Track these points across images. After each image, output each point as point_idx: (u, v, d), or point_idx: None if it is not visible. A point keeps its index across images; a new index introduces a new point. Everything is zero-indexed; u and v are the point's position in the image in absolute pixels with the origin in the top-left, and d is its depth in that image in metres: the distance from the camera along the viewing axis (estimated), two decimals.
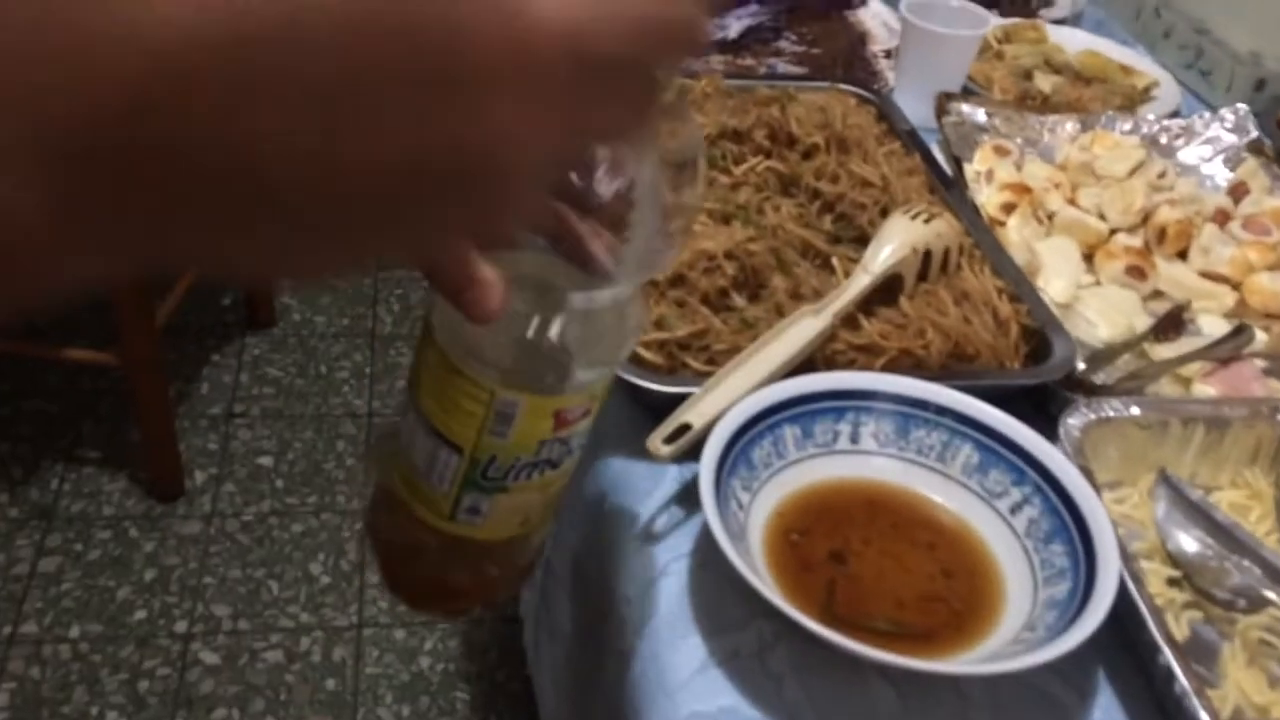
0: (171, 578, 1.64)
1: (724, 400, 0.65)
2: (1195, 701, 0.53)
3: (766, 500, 0.64)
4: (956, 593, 0.61)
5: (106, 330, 1.61)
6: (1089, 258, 0.88)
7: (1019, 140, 0.99)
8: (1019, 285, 0.78)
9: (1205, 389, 0.76)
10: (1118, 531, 0.64)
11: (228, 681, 1.52)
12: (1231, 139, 1.01)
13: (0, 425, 1.83)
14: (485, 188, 0.27)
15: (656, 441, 0.64)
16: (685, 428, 0.65)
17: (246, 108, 0.23)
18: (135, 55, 0.22)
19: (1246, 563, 0.62)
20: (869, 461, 0.67)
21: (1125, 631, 0.58)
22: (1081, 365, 0.74)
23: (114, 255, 0.25)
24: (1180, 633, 0.61)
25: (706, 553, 0.63)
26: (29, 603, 1.57)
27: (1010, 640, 0.58)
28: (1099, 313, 0.82)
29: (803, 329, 0.70)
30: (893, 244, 0.75)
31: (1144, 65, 1.14)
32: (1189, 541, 0.63)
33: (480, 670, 1.58)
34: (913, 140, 0.93)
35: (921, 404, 0.67)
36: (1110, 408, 0.67)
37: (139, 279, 1.57)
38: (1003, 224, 0.89)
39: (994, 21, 1.15)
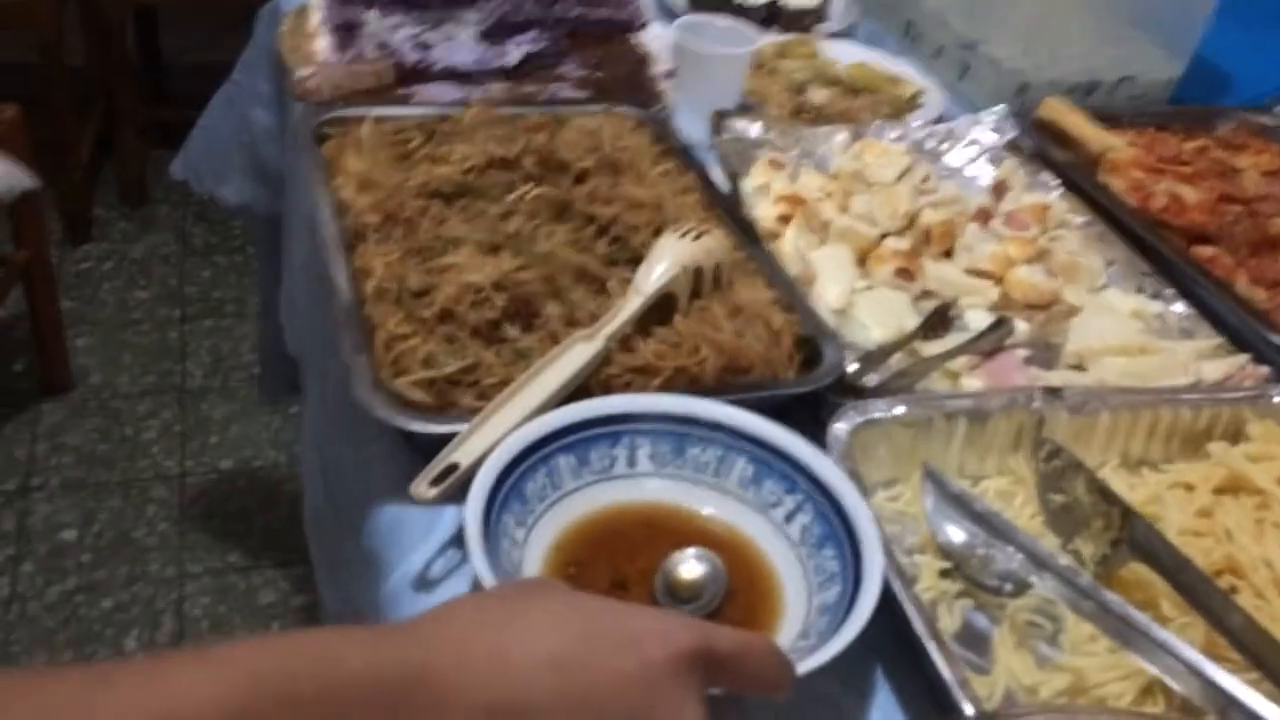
0: None
1: (493, 436, 0.64)
2: (959, 693, 0.54)
3: (544, 534, 0.63)
4: (736, 606, 0.61)
5: None
6: (862, 263, 0.90)
7: (795, 153, 1.01)
8: (791, 295, 0.79)
9: (973, 382, 0.79)
10: (889, 529, 0.66)
11: None
12: (993, 139, 1.06)
13: None
14: None
15: (422, 486, 0.62)
16: (453, 468, 0.63)
17: None
18: None
19: (1010, 549, 0.63)
20: (646, 483, 0.66)
21: (898, 628, 0.59)
22: (853, 368, 0.75)
23: None
24: (952, 623, 0.63)
25: None
26: None
27: (787, 649, 0.58)
28: (872, 316, 0.84)
29: (575, 355, 0.69)
30: (664, 263, 0.75)
31: (911, 75, 1.19)
32: (956, 533, 0.65)
33: None
34: (687, 159, 0.94)
35: (694, 421, 0.67)
36: (876, 409, 0.69)
37: None
38: (779, 236, 0.90)
39: (766, 39, 1.18)
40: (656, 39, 1.25)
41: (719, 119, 1.01)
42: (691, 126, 1.02)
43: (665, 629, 0.44)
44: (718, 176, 0.95)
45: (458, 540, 0.65)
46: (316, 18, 1.12)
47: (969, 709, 0.53)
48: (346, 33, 1.13)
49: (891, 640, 0.60)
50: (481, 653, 0.41)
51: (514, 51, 1.14)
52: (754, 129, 1.01)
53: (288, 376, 1.47)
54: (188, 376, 2.04)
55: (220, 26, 2.17)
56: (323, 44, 1.10)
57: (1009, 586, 0.63)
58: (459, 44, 1.14)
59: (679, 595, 0.60)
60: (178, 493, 1.81)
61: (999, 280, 0.89)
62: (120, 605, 1.63)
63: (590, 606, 0.45)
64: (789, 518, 0.64)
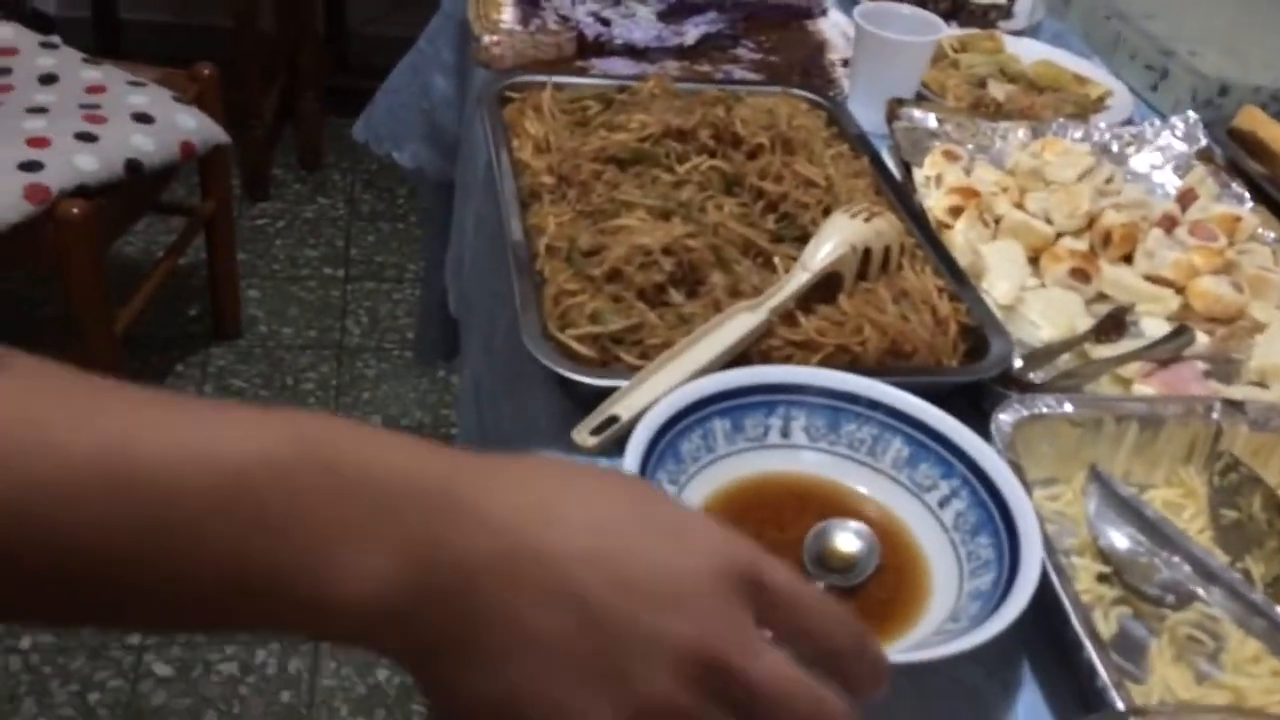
0: None
1: (654, 393, 0.65)
2: (1114, 695, 0.52)
3: (694, 494, 0.64)
4: (883, 585, 0.61)
5: (66, 337, 1.60)
6: (1035, 261, 0.87)
7: (970, 146, 0.99)
8: (960, 285, 0.78)
9: (1145, 389, 0.76)
10: (1046, 527, 0.64)
11: (180, 694, 1.49)
12: (1182, 147, 1.02)
13: None
14: None
15: (583, 433, 0.63)
16: (613, 420, 0.64)
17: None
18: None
19: (1176, 559, 0.61)
20: (799, 456, 0.66)
21: (1050, 626, 0.58)
22: (1019, 363, 0.73)
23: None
24: (1108, 628, 0.61)
25: None
26: None
27: (933, 631, 0.57)
28: (1042, 314, 0.82)
29: (738, 324, 0.70)
30: (832, 241, 0.75)
31: (1099, 75, 1.15)
32: (1119, 538, 0.63)
33: None
34: (862, 144, 0.93)
35: (853, 398, 0.67)
36: (1043, 404, 0.67)
37: (98, 288, 1.56)
38: (950, 227, 0.89)
39: (950, 31, 1.15)
40: (834, 26, 1.24)
41: (895, 106, 0.99)
42: (866, 113, 1.02)
43: (720, 536, 0.39)
44: (890, 164, 0.94)
45: None
46: None
47: (1119, 704, 0.51)
48: (531, 5, 1.16)
49: (1041, 637, 0.58)
50: (523, 502, 0.37)
51: (691, 31, 1.15)
52: (930, 119, 0.99)
53: (443, 341, 1.53)
54: (346, 334, 2.13)
55: (403, 0, 2.27)
56: (508, 14, 1.14)
57: (1171, 598, 0.61)
58: (638, 21, 1.16)
59: (829, 565, 0.60)
60: None
61: (1180, 290, 0.86)
62: None
63: (648, 493, 0.42)
64: (943, 503, 0.63)
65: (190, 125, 1.69)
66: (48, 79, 1.68)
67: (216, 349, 2.04)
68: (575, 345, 0.68)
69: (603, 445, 0.63)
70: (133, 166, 1.57)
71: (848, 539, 0.61)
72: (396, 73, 1.36)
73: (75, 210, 1.47)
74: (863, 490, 0.66)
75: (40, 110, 1.59)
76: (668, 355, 0.67)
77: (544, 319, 0.71)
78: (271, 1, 2.39)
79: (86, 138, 1.55)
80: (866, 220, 0.76)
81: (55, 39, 1.79)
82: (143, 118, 1.63)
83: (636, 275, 0.72)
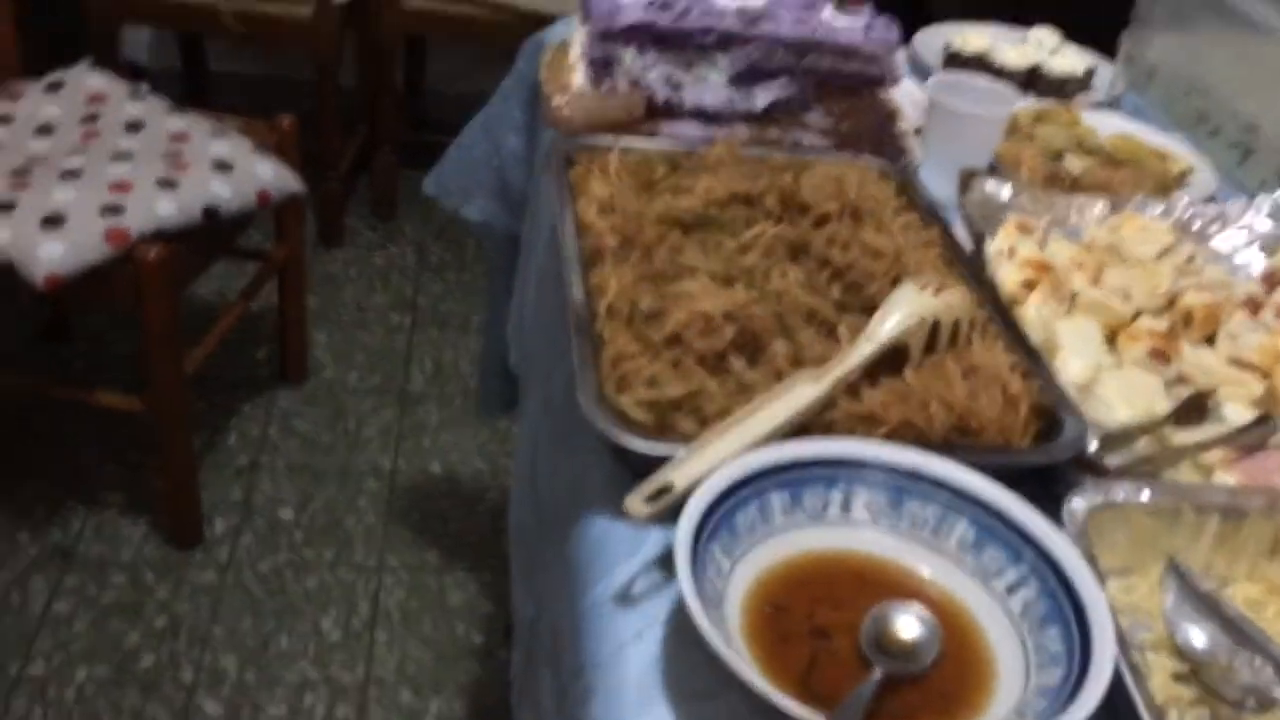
0: (182, 626, 1.62)
1: (710, 462, 0.63)
2: None
3: (749, 568, 0.62)
4: (944, 674, 0.58)
5: (136, 375, 1.63)
6: (1111, 340, 0.85)
7: (1045, 220, 0.97)
8: (1032, 362, 0.76)
9: (1226, 478, 0.72)
10: (1119, 621, 0.61)
11: None
12: (1267, 226, 0.99)
13: (27, 464, 1.84)
14: None
15: (636, 501, 0.62)
16: (668, 488, 0.63)
17: None
18: None
19: (1259, 661, 0.58)
20: (859, 533, 0.64)
21: None
22: (1094, 446, 0.71)
23: None
24: None
25: (682, 619, 0.60)
26: (39, 643, 1.57)
27: None
28: (1118, 394, 0.79)
29: (799, 394, 0.68)
30: (900, 313, 0.74)
31: (1181, 151, 1.12)
32: (1198, 635, 0.60)
33: None
34: (931, 214, 0.92)
35: (916, 475, 0.65)
36: (1119, 491, 0.64)
37: (171, 328, 1.60)
38: (1022, 302, 0.87)
39: (1025, 103, 1.14)
40: (906, 95, 1.23)
41: (968, 177, 0.98)
42: (937, 184, 1.00)
43: None
44: (961, 236, 0.93)
45: (662, 560, 0.65)
46: (576, 51, 1.17)
47: None
48: (603, 67, 1.17)
49: None
50: None
51: (761, 96, 1.15)
52: (1004, 191, 0.98)
53: (504, 393, 1.53)
54: (410, 380, 2.15)
55: (483, 58, 2.31)
56: (579, 76, 1.14)
57: (1252, 702, 0.58)
58: (709, 85, 1.16)
59: (889, 650, 0.58)
60: (388, 488, 1.90)
61: (1265, 375, 0.82)
62: (323, 585, 1.71)
63: None
64: (1011, 590, 0.61)
65: (268, 174, 1.73)
66: (134, 126, 1.73)
67: (283, 392, 2.07)
68: (631, 410, 0.67)
69: (656, 514, 0.61)
70: (210, 213, 1.61)
71: (908, 623, 0.59)
72: (469, 130, 1.39)
73: (152, 254, 1.51)
74: (925, 572, 0.63)
75: (125, 156, 1.64)
76: (726, 424, 0.66)
77: (601, 381, 0.70)
78: (354, 56, 2.46)
79: (167, 184, 1.59)
80: (936, 293, 0.75)
81: (144, 87, 1.85)
82: (223, 165, 1.68)
83: (697, 341, 0.71)
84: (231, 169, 1.68)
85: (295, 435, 1.99)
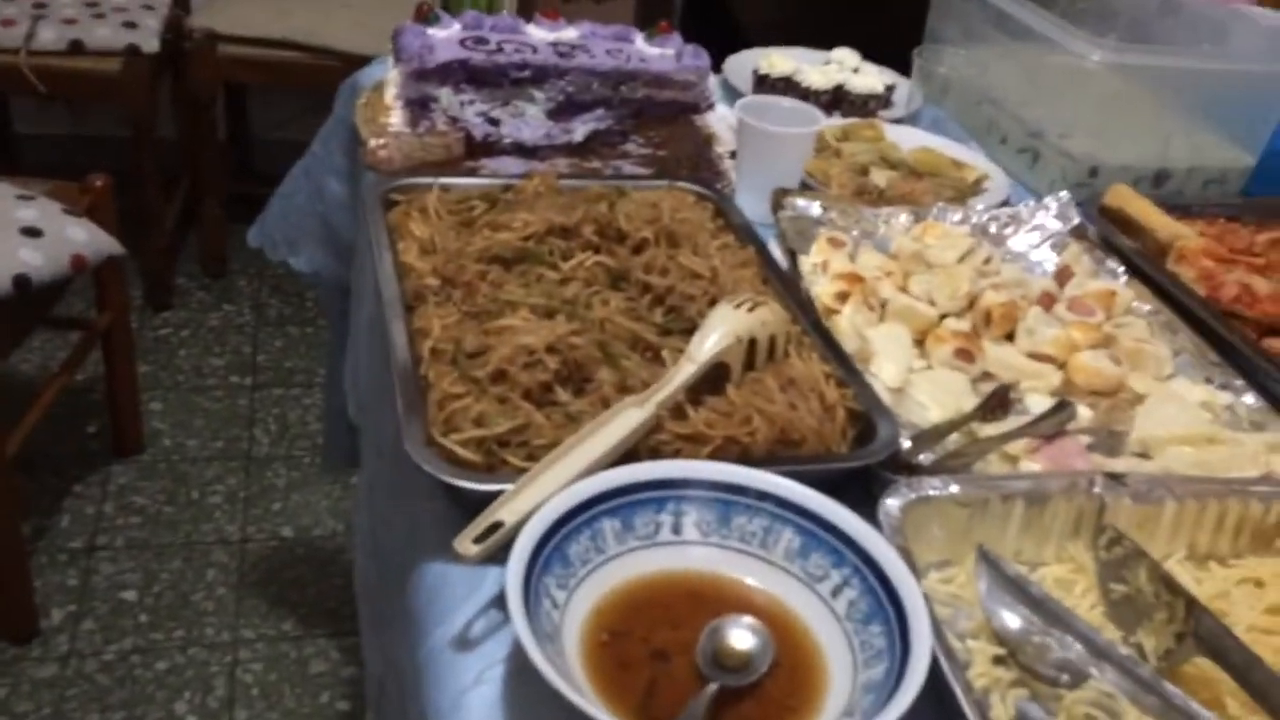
0: None
1: (539, 495, 0.63)
2: None
3: (585, 598, 0.62)
4: (779, 682, 0.59)
5: None
6: (920, 343, 0.89)
7: (855, 233, 1.01)
8: (846, 370, 0.79)
9: (1031, 466, 0.76)
10: (940, 611, 0.64)
11: None
12: (1057, 225, 1.05)
13: None
14: None
15: (465, 542, 0.61)
16: (498, 525, 0.62)
17: None
18: None
19: (1068, 638, 0.61)
20: (691, 552, 0.65)
21: (947, 716, 0.57)
22: (907, 446, 0.74)
23: None
24: (1005, 712, 0.60)
25: (521, 657, 0.60)
26: None
27: None
28: (929, 395, 0.83)
29: (625, 420, 0.69)
30: (718, 333, 0.75)
31: (976, 160, 1.19)
32: (1012, 618, 0.63)
33: None
34: (747, 234, 0.94)
35: (742, 490, 0.66)
36: (930, 486, 0.67)
37: None
38: (837, 313, 0.90)
39: (830, 121, 1.19)
40: (720, 120, 1.27)
41: (780, 196, 1.01)
42: (752, 204, 1.03)
43: None
44: (776, 253, 0.96)
45: (500, 600, 0.64)
46: (392, 93, 1.16)
47: None
48: (420, 107, 1.16)
49: None
50: None
51: (580, 128, 1.17)
52: (814, 207, 1.02)
53: (350, 447, 1.49)
54: (254, 443, 2.08)
55: (306, 105, 2.27)
56: (396, 117, 1.14)
57: (1066, 677, 0.61)
58: (527, 120, 1.17)
59: (725, 665, 0.59)
60: (237, 558, 1.83)
61: (1061, 365, 0.88)
62: (175, 668, 1.63)
63: None
64: (835, 592, 0.63)
65: (81, 237, 1.65)
66: None
67: (118, 466, 1.97)
68: (459, 450, 0.67)
69: (487, 553, 0.61)
70: (20, 282, 1.53)
71: (742, 636, 0.60)
72: (290, 177, 1.36)
73: None
74: (756, 584, 0.65)
75: None
76: (553, 456, 0.66)
77: (429, 424, 0.69)
78: (171, 108, 2.38)
79: None
80: (750, 310, 0.77)
81: None
82: (31, 231, 1.59)
83: (521, 375, 0.71)
84: (41, 234, 1.60)
85: (134, 511, 1.89)
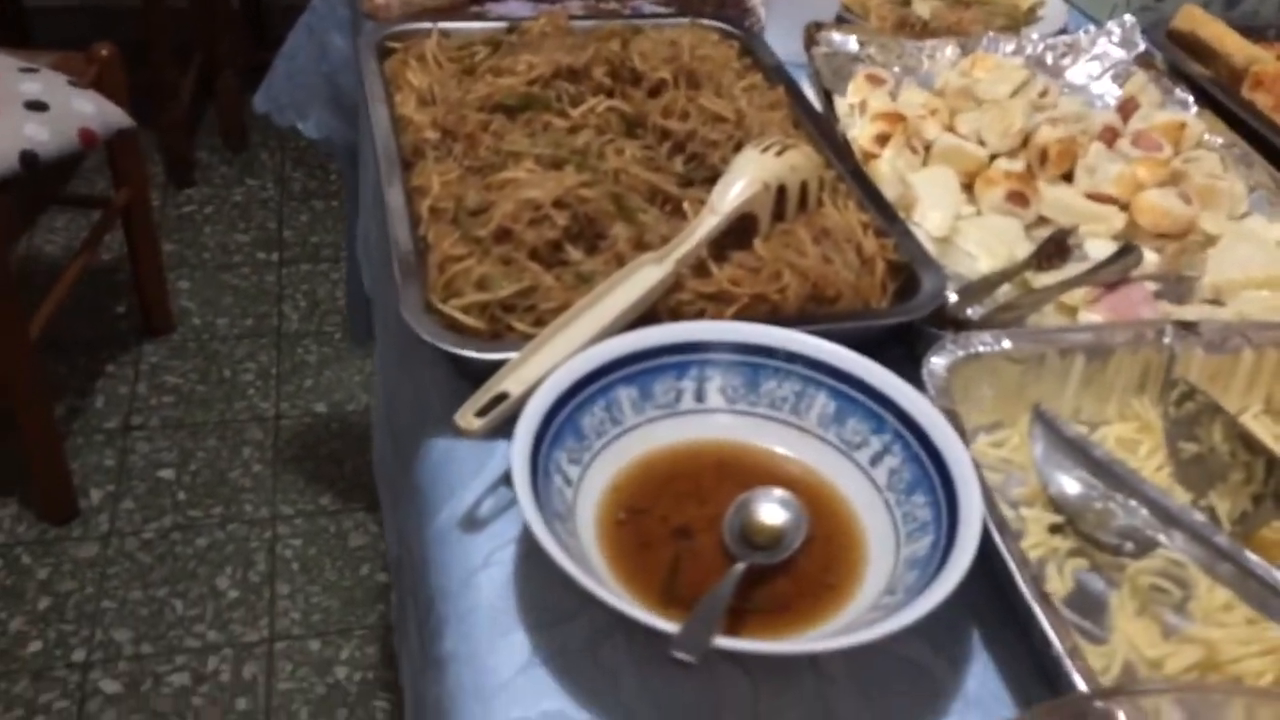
0: (68, 604, 1.54)
1: (548, 363, 0.58)
2: (1069, 664, 0.46)
3: (602, 473, 0.57)
4: (814, 558, 0.55)
5: None
6: (969, 187, 0.81)
7: (896, 69, 0.93)
8: (887, 219, 0.72)
9: (1092, 317, 0.70)
10: (991, 478, 0.58)
11: (130, 710, 1.43)
12: (1120, 54, 0.96)
13: None
14: None
15: (468, 415, 0.57)
16: (503, 397, 0.57)
17: None
18: None
19: (1134, 503, 0.55)
20: (716, 420, 0.60)
21: (999, 590, 0.52)
22: (954, 299, 0.67)
23: None
24: (1063, 585, 0.55)
25: (533, 539, 0.56)
26: None
27: (870, 606, 0.51)
28: (979, 244, 0.75)
29: (641, 279, 0.63)
30: (743, 180, 0.68)
31: None
32: (1070, 483, 0.57)
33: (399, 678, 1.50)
34: (777, 74, 0.86)
35: (770, 352, 0.60)
36: (980, 343, 0.61)
37: (5, 288, 1.47)
38: (877, 156, 0.82)
39: None
40: None
41: (814, 31, 0.93)
42: (783, 42, 0.94)
43: None
44: (810, 94, 0.87)
45: (509, 477, 0.60)
46: None
47: (1080, 684, 0.45)
48: None
49: (991, 603, 0.53)
50: None
51: None
52: (851, 42, 0.93)
53: (371, 319, 1.45)
54: (284, 320, 2.05)
55: None
56: None
57: (1130, 546, 0.55)
58: None
59: (755, 542, 0.54)
60: (272, 435, 1.82)
61: (1125, 206, 0.80)
62: (215, 544, 1.64)
63: None
64: (875, 460, 0.57)
65: (88, 110, 1.59)
66: None
67: (148, 346, 1.96)
68: (461, 316, 0.62)
69: (491, 427, 0.56)
70: (27, 159, 1.48)
71: (772, 510, 0.55)
72: (293, 35, 1.28)
73: None
74: (788, 453, 0.60)
75: None
76: (563, 319, 0.60)
77: (429, 290, 0.64)
78: None
79: None
80: (779, 154, 0.70)
81: None
82: (36, 105, 1.53)
83: (527, 233, 0.65)
84: (47, 108, 1.54)
85: (167, 390, 1.88)
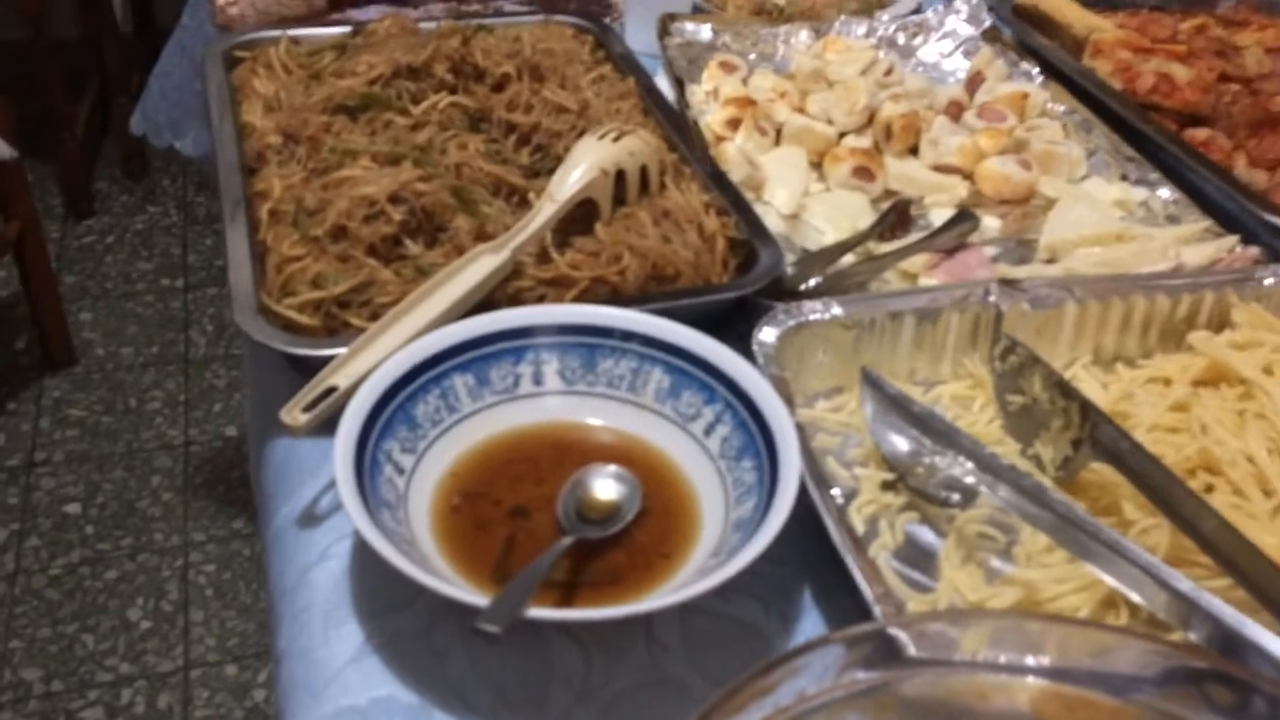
0: None
1: (377, 356, 0.58)
2: (877, 611, 0.47)
3: (438, 461, 0.57)
4: (649, 529, 0.55)
5: None
6: (820, 165, 0.83)
7: (752, 56, 0.94)
8: (730, 198, 0.73)
9: (930, 282, 0.71)
10: (826, 441, 0.59)
11: None
12: (969, 30, 0.98)
13: None
14: None
15: (294, 411, 0.56)
16: (333, 391, 0.57)
17: None
18: None
19: (960, 456, 0.57)
20: (555, 402, 0.61)
21: (829, 546, 0.53)
22: (791, 271, 0.68)
23: None
24: (894, 539, 0.56)
25: None
26: None
27: (697, 571, 0.52)
28: (826, 219, 0.77)
29: (477, 268, 0.63)
30: (581, 167, 0.69)
31: None
32: (900, 441, 0.58)
33: None
34: (627, 64, 0.87)
35: (605, 331, 0.61)
36: (810, 311, 0.62)
37: None
38: (729, 140, 0.83)
39: None
40: None
41: (668, 22, 0.94)
42: (643, 35, 0.95)
43: None
44: (665, 85, 0.88)
45: None
46: None
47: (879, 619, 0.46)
48: None
49: (826, 562, 0.54)
50: None
51: None
52: (705, 31, 0.94)
53: None
54: (191, 346, 2.02)
55: None
56: None
57: (956, 497, 0.57)
58: None
59: (589, 517, 0.55)
60: (182, 462, 1.79)
61: (968, 176, 0.82)
62: (125, 575, 1.61)
63: None
64: (709, 430, 0.58)
65: None
66: None
67: (50, 380, 1.92)
68: (294, 315, 0.61)
69: (316, 422, 0.56)
70: None
71: (606, 485, 0.56)
72: (166, 53, 1.26)
73: None
74: (626, 430, 0.60)
75: None
76: (395, 313, 0.60)
77: (268, 291, 0.64)
78: (69, 6, 2.24)
79: None
80: (616, 140, 0.70)
81: None
82: None
83: (362, 229, 0.65)
84: None
85: (71, 424, 1.84)
